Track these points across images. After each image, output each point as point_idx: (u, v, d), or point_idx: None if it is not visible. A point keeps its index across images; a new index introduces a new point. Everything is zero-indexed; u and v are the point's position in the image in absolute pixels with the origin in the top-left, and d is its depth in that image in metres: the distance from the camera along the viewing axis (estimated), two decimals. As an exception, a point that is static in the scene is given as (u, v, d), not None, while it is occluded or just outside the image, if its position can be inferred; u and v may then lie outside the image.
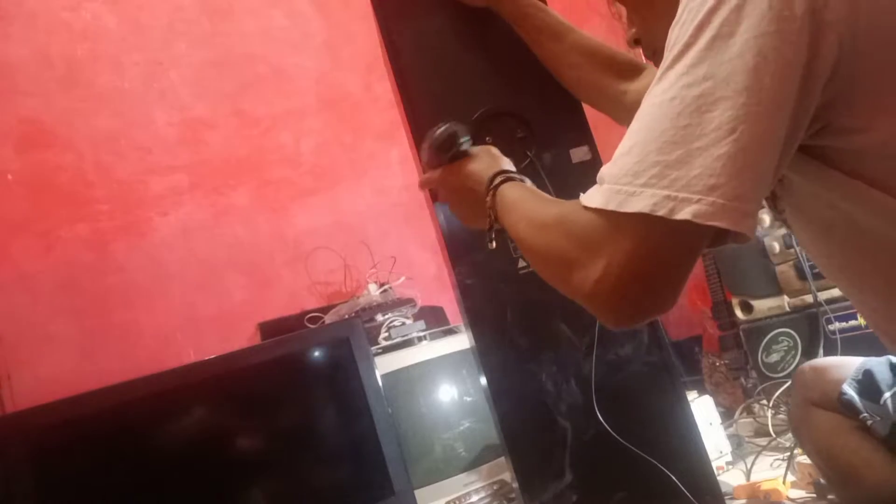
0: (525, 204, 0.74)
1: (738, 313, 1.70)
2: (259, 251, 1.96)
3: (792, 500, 1.16)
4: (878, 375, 0.79)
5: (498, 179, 0.80)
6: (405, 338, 1.58)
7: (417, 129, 1.08)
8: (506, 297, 1.06)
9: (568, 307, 1.07)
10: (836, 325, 1.44)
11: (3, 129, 1.77)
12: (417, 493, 1.34)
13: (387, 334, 1.60)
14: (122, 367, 1.62)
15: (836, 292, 1.46)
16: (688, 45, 0.55)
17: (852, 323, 1.42)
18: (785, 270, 1.55)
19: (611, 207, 0.55)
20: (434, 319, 1.77)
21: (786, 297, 1.58)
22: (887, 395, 0.76)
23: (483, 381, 1.07)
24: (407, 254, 2.05)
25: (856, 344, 1.39)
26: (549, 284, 0.65)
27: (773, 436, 1.37)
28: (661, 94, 0.56)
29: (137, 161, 1.89)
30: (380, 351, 1.53)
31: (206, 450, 1.27)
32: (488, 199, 0.79)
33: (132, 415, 1.23)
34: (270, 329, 1.76)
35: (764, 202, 0.74)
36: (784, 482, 1.17)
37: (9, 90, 1.79)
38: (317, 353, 1.38)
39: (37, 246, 1.75)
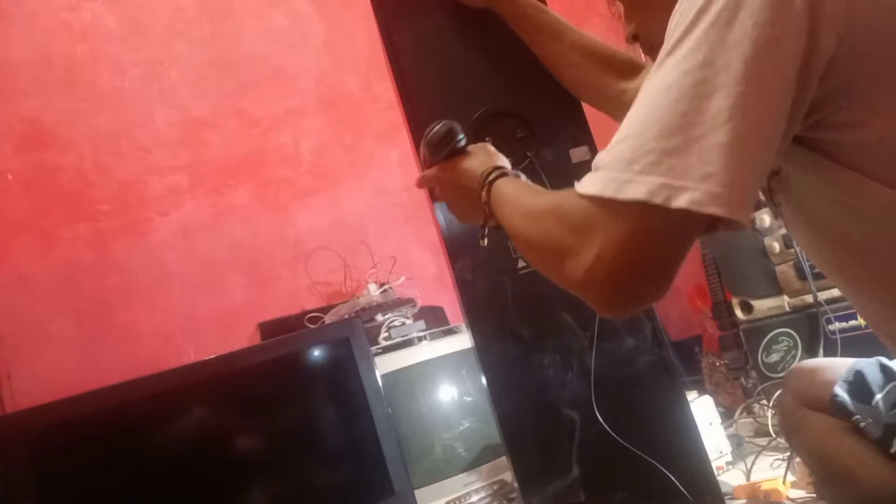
0: (519, 197, 0.74)
1: (738, 313, 1.70)
2: (259, 251, 1.96)
3: (792, 500, 1.16)
4: (868, 377, 0.79)
5: (492, 175, 0.79)
6: (405, 338, 1.57)
7: (417, 129, 1.08)
8: (506, 297, 1.06)
9: (568, 307, 1.07)
10: (836, 325, 1.44)
11: (3, 129, 1.77)
12: (417, 493, 1.34)
13: (387, 334, 1.60)
14: (122, 367, 1.62)
15: (836, 292, 1.46)
16: (686, 32, 0.55)
17: (852, 323, 1.42)
18: (785, 270, 1.55)
19: (607, 195, 0.55)
20: (434, 319, 1.77)
21: (786, 297, 1.58)
22: (878, 396, 0.76)
23: (483, 380, 1.07)
24: (407, 254, 2.05)
25: (856, 344, 1.39)
26: (545, 276, 0.64)
27: (773, 436, 1.37)
28: (658, 80, 0.56)
29: (137, 161, 1.89)
30: (380, 351, 1.53)
31: (207, 450, 1.27)
32: (483, 194, 0.79)
33: (132, 415, 1.23)
34: (270, 329, 1.76)
35: (760, 194, 0.74)
36: (784, 482, 1.17)
37: (9, 90, 1.79)
38: (317, 353, 1.38)
39: (37, 246, 1.75)
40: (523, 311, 1.06)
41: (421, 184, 0.97)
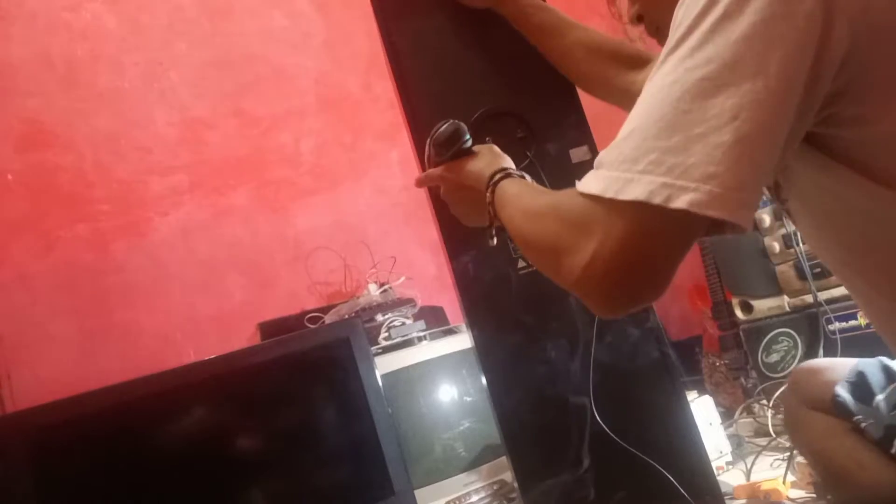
0: (520, 197, 0.74)
1: (738, 313, 1.70)
2: (259, 251, 1.96)
3: (792, 500, 1.15)
4: (870, 377, 0.79)
5: (497, 176, 0.79)
6: (405, 338, 1.57)
7: (417, 129, 1.08)
8: (506, 296, 1.06)
9: (568, 307, 1.07)
10: (836, 325, 1.44)
11: (3, 129, 1.77)
12: (417, 493, 1.34)
13: (387, 334, 1.60)
14: (122, 367, 1.62)
15: (836, 292, 1.46)
16: (691, 28, 0.54)
17: (852, 323, 1.42)
18: (785, 270, 1.55)
19: (608, 195, 0.54)
20: (434, 319, 1.77)
21: (786, 297, 1.58)
22: (880, 397, 0.76)
23: (483, 380, 1.07)
24: (407, 254, 2.05)
25: (856, 344, 1.39)
26: (545, 276, 0.64)
27: (773, 436, 1.37)
28: (662, 77, 0.55)
29: (137, 161, 1.89)
30: (380, 351, 1.53)
31: (207, 450, 1.27)
32: (488, 195, 0.79)
33: (132, 415, 1.23)
34: (270, 329, 1.76)
35: (766, 191, 0.74)
36: (784, 482, 1.17)
37: (9, 90, 1.79)
38: (317, 353, 1.38)
39: (37, 246, 1.75)
40: (523, 311, 1.05)
41: (421, 183, 0.97)
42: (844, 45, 0.53)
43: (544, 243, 0.63)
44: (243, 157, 2.01)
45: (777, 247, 1.55)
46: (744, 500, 1.20)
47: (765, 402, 1.50)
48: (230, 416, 1.32)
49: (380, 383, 1.35)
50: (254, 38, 2.10)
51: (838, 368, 0.84)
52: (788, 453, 1.23)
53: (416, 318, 1.68)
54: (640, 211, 0.52)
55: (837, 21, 0.52)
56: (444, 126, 0.88)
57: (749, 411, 1.55)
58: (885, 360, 0.80)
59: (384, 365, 1.43)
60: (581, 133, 1.14)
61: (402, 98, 1.10)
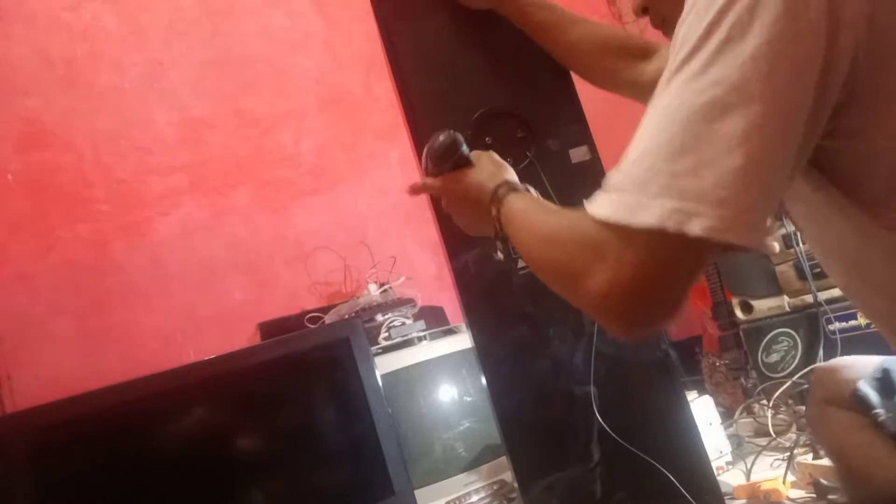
0: (529, 215, 0.73)
1: (738, 313, 1.70)
2: (259, 251, 1.96)
3: (792, 500, 1.15)
4: (895, 374, 0.79)
5: (502, 191, 0.79)
6: (405, 338, 1.57)
7: (417, 129, 1.08)
8: (506, 296, 1.06)
9: (568, 307, 1.07)
10: (836, 325, 1.44)
11: (3, 129, 1.77)
12: (417, 493, 1.34)
13: (387, 334, 1.60)
14: (122, 367, 1.62)
15: (836, 292, 1.46)
16: (696, 49, 0.53)
17: (852, 323, 1.42)
18: (785, 270, 1.55)
19: (622, 221, 0.54)
20: (434, 319, 1.77)
21: (786, 297, 1.58)
22: None
23: (483, 380, 1.07)
24: (407, 254, 2.05)
25: (856, 344, 1.39)
26: (556, 292, 0.64)
27: (773, 436, 1.37)
28: (669, 99, 0.54)
29: (137, 161, 1.89)
30: (380, 351, 1.53)
31: (207, 450, 1.27)
32: (493, 210, 0.79)
33: (132, 415, 1.23)
34: (270, 329, 1.76)
35: None
36: (784, 482, 1.17)
37: (9, 90, 1.79)
38: (317, 353, 1.38)
39: (37, 246, 1.75)
40: (523, 311, 1.05)
41: (417, 192, 0.96)
42: (847, 62, 0.53)
43: (556, 265, 0.63)
44: (243, 157, 2.01)
45: (777, 247, 1.55)
46: (744, 500, 1.20)
47: (765, 402, 1.50)
48: (230, 417, 1.32)
49: (380, 383, 1.35)
50: (254, 38, 2.10)
51: (861, 366, 0.84)
52: (788, 453, 1.23)
53: (416, 318, 1.68)
54: (652, 237, 0.52)
55: (841, 37, 0.52)
56: (440, 137, 0.87)
57: (749, 411, 1.55)
58: None
59: (384, 365, 1.43)
60: (581, 133, 1.13)
61: (402, 98, 1.10)
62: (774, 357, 1.58)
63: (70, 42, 1.88)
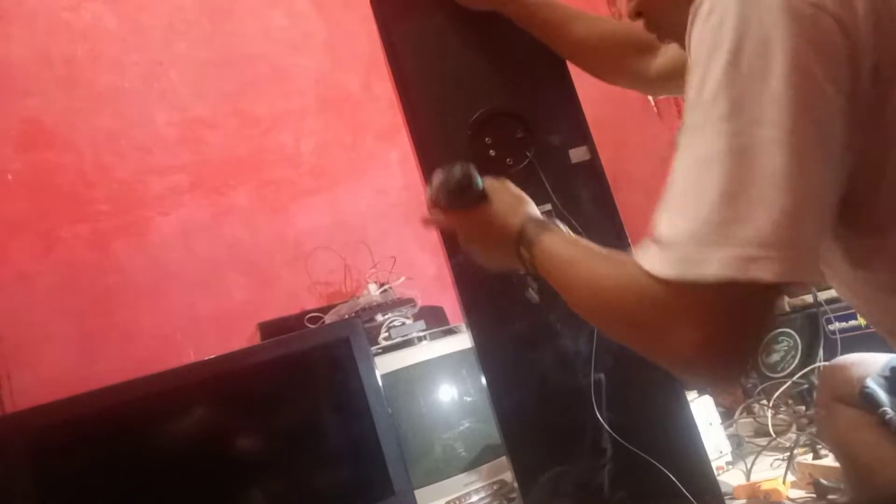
0: (573, 261, 0.70)
1: (738, 313, 1.69)
2: (259, 251, 1.96)
3: (792, 500, 1.15)
4: None
5: (530, 229, 0.76)
6: (405, 338, 1.57)
7: (417, 129, 1.08)
8: (506, 296, 1.06)
9: (568, 307, 1.07)
10: (836, 325, 1.44)
11: (3, 129, 1.77)
12: (417, 493, 1.34)
13: (387, 334, 1.60)
14: (122, 367, 1.62)
15: (835, 292, 1.46)
16: (719, 89, 0.52)
17: (852, 323, 1.42)
18: (785, 270, 1.55)
19: (688, 278, 0.52)
20: (434, 319, 1.77)
21: (786, 297, 1.58)
22: None
23: (483, 380, 1.07)
24: (407, 254, 2.05)
25: (856, 344, 1.39)
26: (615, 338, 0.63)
27: (773, 436, 1.37)
28: (701, 145, 0.53)
29: (137, 161, 1.89)
30: (380, 351, 1.53)
31: (206, 450, 1.27)
32: (523, 251, 0.76)
33: (132, 415, 1.23)
34: (270, 329, 1.76)
35: None
36: (784, 482, 1.17)
37: (9, 90, 1.79)
38: (317, 353, 1.38)
39: (37, 246, 1.75)
40: (523, 311, 1.05)
41: (431, 224, 0.94)
42: (869, 76, 0.53)
43: (618, 319, 0.62)
44: (243, 157, 2.01)
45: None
46: (744, 500, 1.20)
47: (765, 402, 1.50)
48: (230, 417, 1.32)
49: (380, 383, 1.35)
50: (254, 38, 2.10)
51: (869, 364, 0.83)
52: (788, 453, 1.23)
53: (416, 318, 1.68)
54: (721, 290, 0.51)
55: (862, 62, 0.52)
56: (453, 170, 0.82)
57: (749, 411, 1.55)
58: None
59: (384, 365, 1.43)
60: (581, 133, 1.13)
61: (402, 98, 1.10)
62: (774, 357, 1.58)
63: (70, 42, 1.88)
